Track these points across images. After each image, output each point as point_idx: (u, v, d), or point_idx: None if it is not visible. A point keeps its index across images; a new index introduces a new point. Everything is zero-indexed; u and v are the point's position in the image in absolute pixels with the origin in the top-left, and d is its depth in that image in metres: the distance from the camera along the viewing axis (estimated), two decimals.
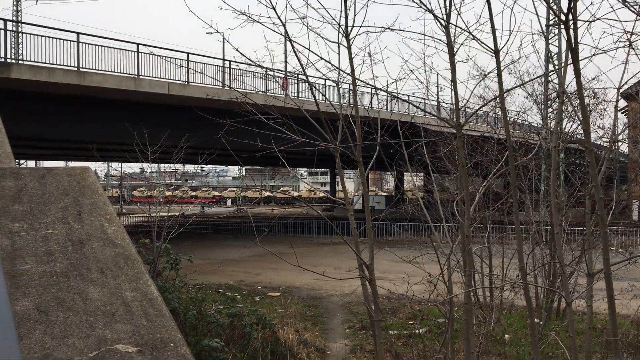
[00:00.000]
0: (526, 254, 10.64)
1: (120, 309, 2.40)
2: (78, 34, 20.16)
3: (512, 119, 13.48)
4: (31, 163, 47.50)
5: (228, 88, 22.85)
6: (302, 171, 56.57)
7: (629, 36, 4.98)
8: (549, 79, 21.89)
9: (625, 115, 26.66)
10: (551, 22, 30.98)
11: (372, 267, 5.56)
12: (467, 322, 5.00)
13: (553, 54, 32.37)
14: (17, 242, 2.66)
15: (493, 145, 8.42)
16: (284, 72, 6.96)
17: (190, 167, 78.14)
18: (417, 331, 11.57)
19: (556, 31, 30.85)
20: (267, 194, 72.43)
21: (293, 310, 13.57)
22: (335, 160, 6.05)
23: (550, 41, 31.65)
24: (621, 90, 6.11)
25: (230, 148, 6.26)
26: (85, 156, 36.03)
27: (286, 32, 5.76)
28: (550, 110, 21.36)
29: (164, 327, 2.35)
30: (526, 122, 15.92)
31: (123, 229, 2.96)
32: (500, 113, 11.99)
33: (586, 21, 4.33)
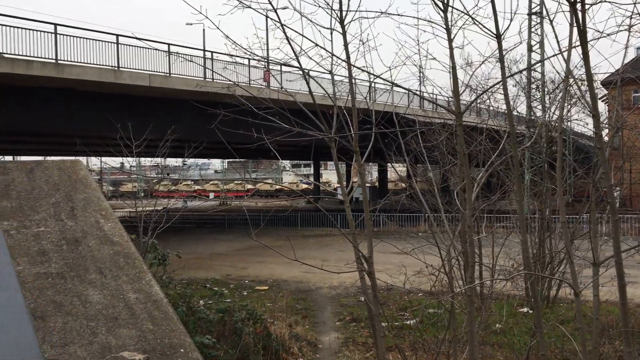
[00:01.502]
0: (516, 242, 10.64)
1: (123, 312, 2.23)
2: (55, 25, 19.67)
3: (503, 110, 13.46)
4: (9, 159, 46.61)
5: (211, 80, 22.54)
6: (285, 163, 56.38)
7: (629, 20, 4.89)
8: (534, 68, 21.95)
9: (605, 103, 26.91)
10: (533, 10, 31.09)
11: (371, 259, 5.42)
12: (470, 314, 4.88)
13: (535, 43, 32.49)
14: (7, 241, 2.46)
15: (487, 135, 8.33)
16: (270, 61, 6.78)
17: (171, 161, 77.36)
18: (409, 322, 11.52)
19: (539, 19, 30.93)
20: (277, 187, 71.78)
21: (283, 304, 13.43)
22: (331, 151, 5.89)
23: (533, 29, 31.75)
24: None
25: (224, 140, 6.06)
26: (66, 150, 35.39)
27: (279, 18, 5.57)
28: (534, 99, 21.42)
29: (172, 331, 2.18)
30: (516, 111, 15.95)
31: (120, 225, 2.77)
32: (491, 103, 11.95)
33: (592, 4, 4.22)
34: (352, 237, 5.63)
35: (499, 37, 4.76)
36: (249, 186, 76.91)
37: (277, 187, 71.17)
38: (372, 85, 8.88)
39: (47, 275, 2.32)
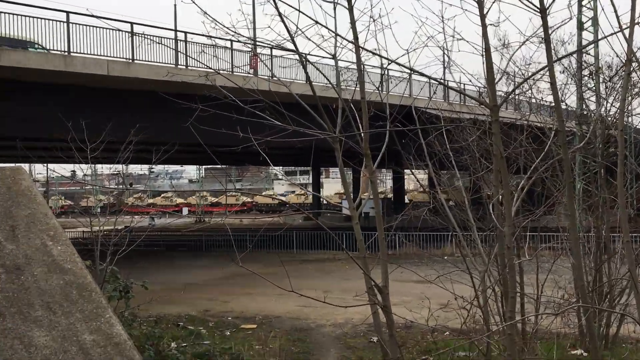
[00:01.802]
0: (566, 267, 10.65)
1: (77, 358, 2.21)
2: None
3: (548, 102, 13.49)
4: None
5: (184, 67, 22.64)
6: (277, 170, 56.50)
7: None
8: (586, 50, 21.99)
9: None
10: None
11: (386, 290, 5.41)
12: (510, 357, 4.87)
13: (587, 19, 32.66)
14: None
15: (529, 133, 8.35)
16: (259, 43, 6.77)
17: (136, 169, 77.50)
18: None
19: None
20: (278, 200, 71.77)
21: (275, 346, 13.40)
22: (335, 154, 5.90)
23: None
24: None
25: (202, 141, 6.07)
26: (4, 156, 35.45)
27: None
28: (587, 88, 21.44)
29: None
30: (565, 104, 15.96)
31: (73, 249, 2.76)
32: (534, 94, 11.96)
33: None
34: (362, 261, 5.62)
35: (543, 11, 4.78)
36: (245, 199, 77.12)
37: (278, 200, 71.39)
38: (386, 72, 8.91)
39: None
